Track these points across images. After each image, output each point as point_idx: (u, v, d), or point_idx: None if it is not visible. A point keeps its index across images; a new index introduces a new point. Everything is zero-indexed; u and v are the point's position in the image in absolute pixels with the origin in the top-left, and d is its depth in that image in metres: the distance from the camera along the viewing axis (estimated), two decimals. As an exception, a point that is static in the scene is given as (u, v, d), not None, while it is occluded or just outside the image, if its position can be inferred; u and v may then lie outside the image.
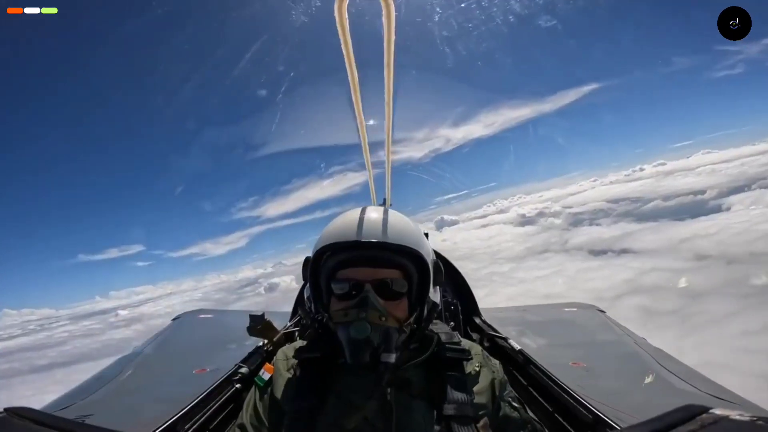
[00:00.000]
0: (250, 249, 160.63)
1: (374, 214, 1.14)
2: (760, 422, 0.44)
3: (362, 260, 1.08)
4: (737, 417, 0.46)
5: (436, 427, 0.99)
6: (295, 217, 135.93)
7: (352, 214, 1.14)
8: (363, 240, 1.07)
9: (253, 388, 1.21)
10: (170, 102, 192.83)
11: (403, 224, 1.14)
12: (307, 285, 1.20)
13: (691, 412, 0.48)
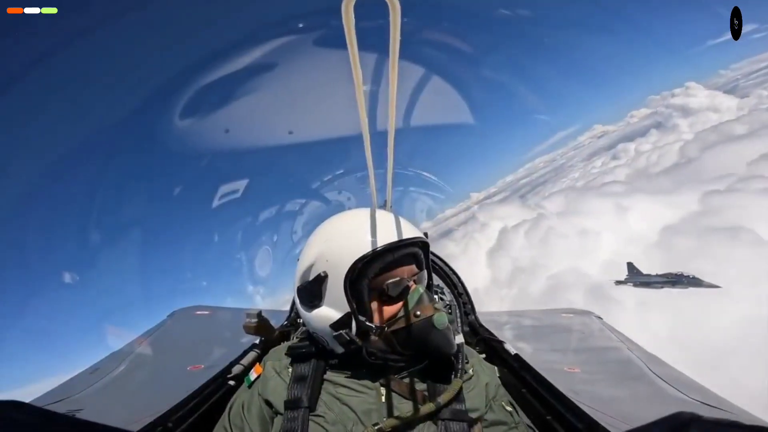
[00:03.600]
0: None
1: (388, 214, 1.15)
2: None
3: (401, 260, 1.09)
4: (726, 426, 0.46)
5: (431, 428, 0.99)
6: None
7: (369, 217, 1.12)
8: (401, 239, 1.07)
9: (239, 389, 1.21)
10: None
11: (413, 223, 1.17)
12: (295, 293, 1.18)
13: (680, 420, 0.48)
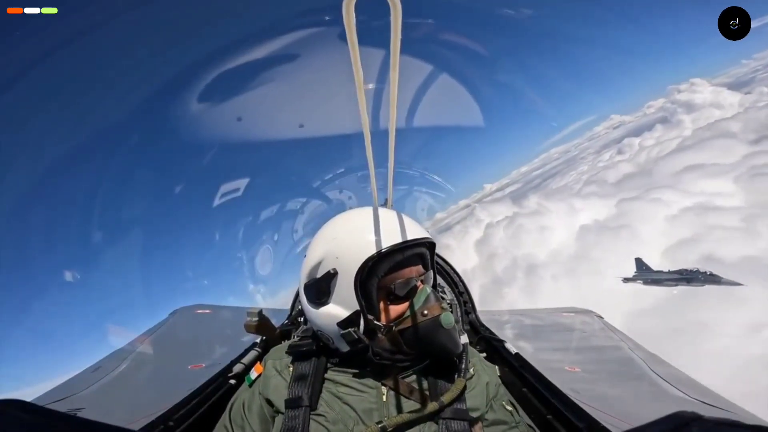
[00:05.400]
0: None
1: (396, 214, 1.15)
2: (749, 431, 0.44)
3: (409, 260, 1.10)
4: (727, 425, 0.46)
5: (432, 427, 0.99)
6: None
7: (372, 217, 1.12)
8: (411, 239, 1.08)
9: (240, 388, 1.21)
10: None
11: (418, 222, 1.17)
12: (301, 290, 1.18)
13: (681, 420, 0.48)
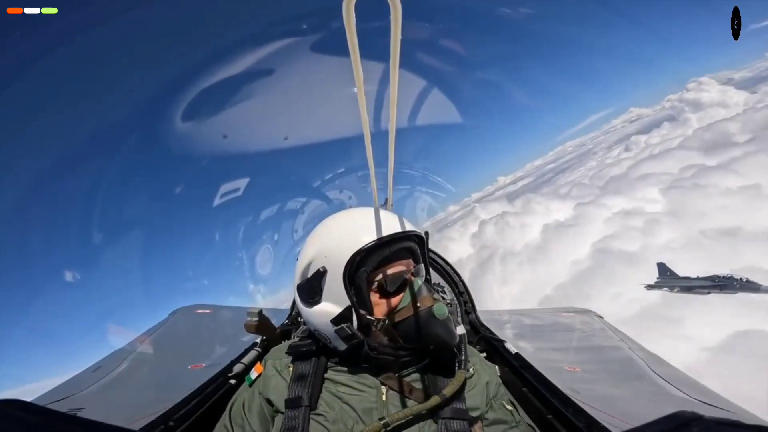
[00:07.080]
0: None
1: (386, 213, 1.16)
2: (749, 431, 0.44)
3: (398, 254, 1.11)
4: (727, 425, 0.46)
5: (432, 426, 0.99)
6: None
7: (367, 215, 1.13)
8: (399, 232, 1.09)
9: (240, 388, 1.22)
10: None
11: (409, 220, 1.18)
12: (295, 291, 1.18)
13: (681, 420, 0.48)
